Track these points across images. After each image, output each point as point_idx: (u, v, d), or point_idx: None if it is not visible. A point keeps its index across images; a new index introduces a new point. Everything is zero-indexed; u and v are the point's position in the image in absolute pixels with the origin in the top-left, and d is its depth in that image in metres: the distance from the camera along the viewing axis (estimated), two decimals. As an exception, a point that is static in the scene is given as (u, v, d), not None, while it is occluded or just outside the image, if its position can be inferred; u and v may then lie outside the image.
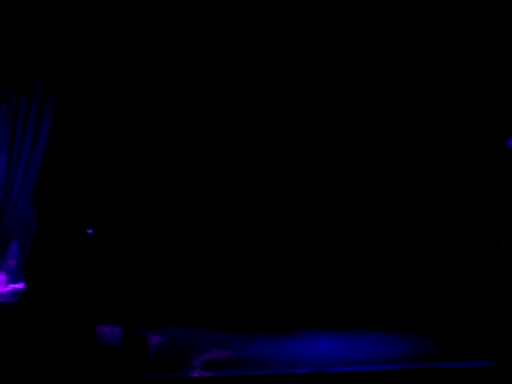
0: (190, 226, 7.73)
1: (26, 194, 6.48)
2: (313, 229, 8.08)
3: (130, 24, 6.94)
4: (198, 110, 7.64)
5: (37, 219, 6.42)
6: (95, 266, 6.33)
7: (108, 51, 7.05)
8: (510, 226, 7.54)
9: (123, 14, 6.85)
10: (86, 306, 3.05)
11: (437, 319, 6.66)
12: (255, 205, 7.89)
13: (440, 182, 7.99)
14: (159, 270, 7.47)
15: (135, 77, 7.31)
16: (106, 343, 4.69)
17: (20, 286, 5.33)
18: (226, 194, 7.82)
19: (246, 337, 5.79)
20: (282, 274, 7.66)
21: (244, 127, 7.81)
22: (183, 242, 7.71)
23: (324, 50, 7.58)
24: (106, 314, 4.88)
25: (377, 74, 7.76)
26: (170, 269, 7.54)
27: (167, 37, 7.17)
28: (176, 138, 7.63)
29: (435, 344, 5.58)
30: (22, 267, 5.75)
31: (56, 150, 6.82)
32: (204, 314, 6.67)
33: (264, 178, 7.93)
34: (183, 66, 7.42)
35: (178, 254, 7.65)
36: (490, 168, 7.88)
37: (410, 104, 7.87)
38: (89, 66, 6.96)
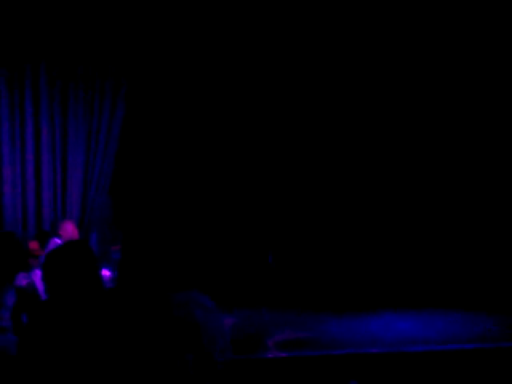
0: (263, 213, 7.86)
1: (104, 186, 6.79)
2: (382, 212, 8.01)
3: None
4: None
5: (112, 210, 6.70)
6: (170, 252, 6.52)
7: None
8: None
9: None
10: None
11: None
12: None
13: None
14: (231, 255, 7.61)
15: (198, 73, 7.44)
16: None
17: (103, 272, 5.58)
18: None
19: (321, 317, 5.80)
20: (358, 255, 7.59)
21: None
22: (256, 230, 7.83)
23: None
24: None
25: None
26: (243, 254, 7.68)
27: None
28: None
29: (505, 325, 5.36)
30: (102, 255, 6.02)
31: (127, 142, 7.07)
32: (277, 297, 6.73)
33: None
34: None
35: (250, 239, 7.78)
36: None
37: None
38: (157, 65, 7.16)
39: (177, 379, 2.35)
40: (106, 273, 5.58)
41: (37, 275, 4.55)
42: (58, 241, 4.97)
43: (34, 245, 5.40)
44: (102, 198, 6.76)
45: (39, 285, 4.56)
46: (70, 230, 5.24)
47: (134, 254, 2.77)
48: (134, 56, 6.90)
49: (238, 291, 6.89)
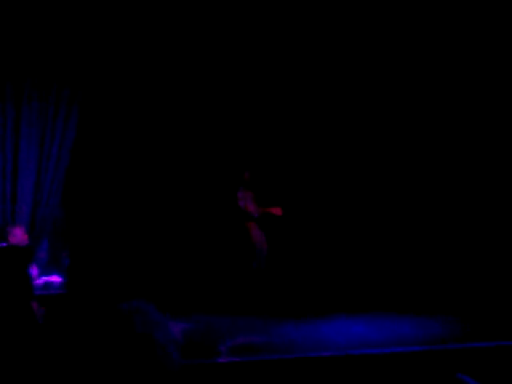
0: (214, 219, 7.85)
1: (56, 193, 6.67)
2: (341, 216, 8.08)
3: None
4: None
5: (64, 217, 6.59)
6: (125, 256, 6.46)
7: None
8: None
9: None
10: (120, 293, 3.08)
11: (465, 301, 6.55)
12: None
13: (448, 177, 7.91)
14: (186, 259, 7.57)
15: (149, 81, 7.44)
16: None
17: (53, 278, 5.48)
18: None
19: (274, 322, 5.80)
20: (309, 260, 7.65)
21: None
22: (210, 231, 7.81)
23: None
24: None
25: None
26: (196, 258, 7.64)
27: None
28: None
29: (463, 325, 5.48)
30: (53, 261, 5.91)
31: (82, 150, 6.99)
32: (231, 302, 6.72)
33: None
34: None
35: (205, 244, 7.75)
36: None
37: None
38: (106, 68, 7.14)
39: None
40: (56, 279, 5.48)
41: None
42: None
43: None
44: (54, 205, 6.64)
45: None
46: (19, 235, 5.17)
47: (83, 261, 2.73)
48: (90, 66, 6.87)
49: (196, 296, 6.88)
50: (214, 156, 7.87)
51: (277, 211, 7.09)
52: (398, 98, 7.87)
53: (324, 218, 8.02)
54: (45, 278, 5.48)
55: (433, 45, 7.48)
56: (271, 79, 7.76)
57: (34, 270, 5.52)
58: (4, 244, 4.88)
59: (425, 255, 7.76)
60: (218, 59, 7.50)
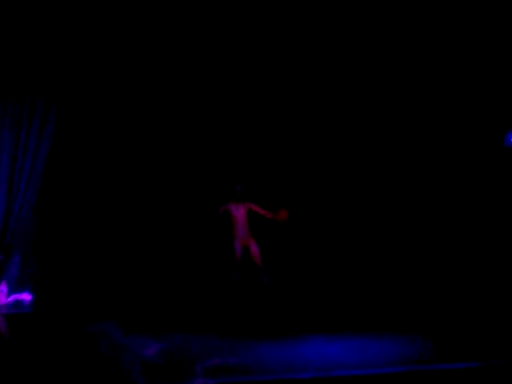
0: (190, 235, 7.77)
1: (29, 205, 6.51)
2: (314, 237, 8.08)
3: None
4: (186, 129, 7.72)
5: (36, 230, 6.44)
6: (97, 272, 6.30)
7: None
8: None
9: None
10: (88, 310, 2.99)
11: (443, 321, 6.57)
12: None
13: (440, 182, 7.95)
14: (160, 278, 7.46)
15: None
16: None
17: (22, 296, 5.30)
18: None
19: (251, 343, 5.72)
20: (286, 280, 7.61)
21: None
22: (184, 251, 7.72)
23: (323, 51, 7.60)
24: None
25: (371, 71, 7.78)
26: (172, 277, 7.54)
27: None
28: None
29: (440, 346, 5.47)
30: (24, 278, 5.73)
31: (56, 161, 6.86)
32: (207, 322, 6.63)
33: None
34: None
35: (179, 263, 7.66)
36: (488, 167, 7.83)
37: (408, 103, 7.87)
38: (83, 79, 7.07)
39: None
40: (26, 297, 5.31)
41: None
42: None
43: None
44: (26, 217, 6.47)
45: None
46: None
47: (52, 278, 2.65)
48: (66, 77, 6.80)
49: (173, 316, 6.78)
50: (192, 169, 7.81)
51: (282, 216, 7.06)
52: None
53: (301, 237, 8.00)
54: (15, 296, 5.30)
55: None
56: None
57: (2, 287, 5.35)
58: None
59: (400, 275, 7.79)
60: (202, 72, 7.47)
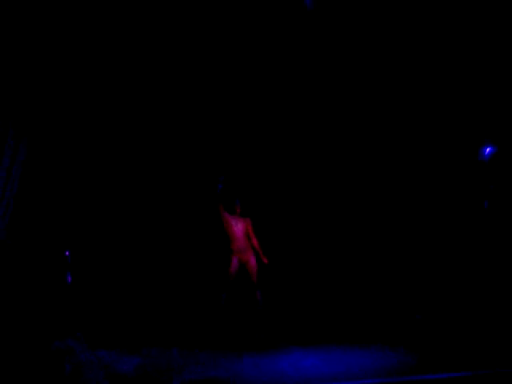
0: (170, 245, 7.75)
1: (4, 218, 6.42)
2: (296, 249, 8.12)
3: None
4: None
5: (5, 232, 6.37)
6: (70, 288, 6.22)
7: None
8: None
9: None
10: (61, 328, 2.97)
11: (420, 332, 6.64)
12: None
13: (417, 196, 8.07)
14: (135, 292, 7.42)
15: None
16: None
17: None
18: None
19: (229, 356, 5.70)
20: (264, 292, 7.60)
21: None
22: (163, 264, 7.69)
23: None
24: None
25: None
26: (149, 292, 7.51)
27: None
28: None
29: (419, 357, 5.52)
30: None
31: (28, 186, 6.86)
32: (184, 335, 6.59)
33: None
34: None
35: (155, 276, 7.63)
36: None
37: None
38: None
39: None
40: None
41: None
42: None
43: None
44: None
45: None
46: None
47: (22, 291, 2.64)
48: (36, 108, 6.81)
49: (151, 329, 6.72)
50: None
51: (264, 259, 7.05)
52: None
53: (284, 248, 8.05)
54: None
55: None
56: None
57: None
58: None
59: (381, 287, 7.86)
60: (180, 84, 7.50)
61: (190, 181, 7.97)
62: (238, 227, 7.00)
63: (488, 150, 7.62)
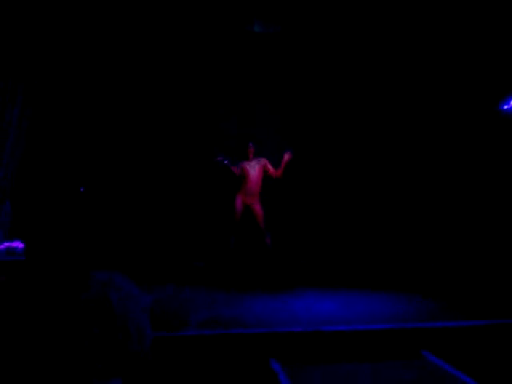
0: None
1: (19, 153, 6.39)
2: (310, 194, 8.12)
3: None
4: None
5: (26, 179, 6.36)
6: (89, 224, 6.26)
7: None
8: None
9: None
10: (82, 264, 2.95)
11: (436, 280, 6.67)
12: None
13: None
14: (153, 232, 7.47)
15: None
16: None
17: (15, 244, 5.26)
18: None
19: (245, 296, 5.77)
20: (279, 235, 7.63)
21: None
22: (180, 204, 7.72)
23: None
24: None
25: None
26: (168, 231, 7.55)
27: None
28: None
29: (435, 304, 5.56)
30: (16, 225, 5.68)
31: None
32: (203, 275, 6.66)
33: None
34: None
35: (174, 217, 7.66)
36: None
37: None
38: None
39: (81, 352, 2.22)
40: (19, 244, 5.27)
41: None
42: None
43: None
44: (15, 166, 6.38)
45: None
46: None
47: (44, 224, 2.62)
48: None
49: (169, 268, 6.79)
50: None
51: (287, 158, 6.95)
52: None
53: (298, 194, 8.03)
54: (7, 244, 5.25)
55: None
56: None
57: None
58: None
59: (397, 236, 7.86)
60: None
61: (199, 126, 7.93)
62: (255, 171, 6.90)
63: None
